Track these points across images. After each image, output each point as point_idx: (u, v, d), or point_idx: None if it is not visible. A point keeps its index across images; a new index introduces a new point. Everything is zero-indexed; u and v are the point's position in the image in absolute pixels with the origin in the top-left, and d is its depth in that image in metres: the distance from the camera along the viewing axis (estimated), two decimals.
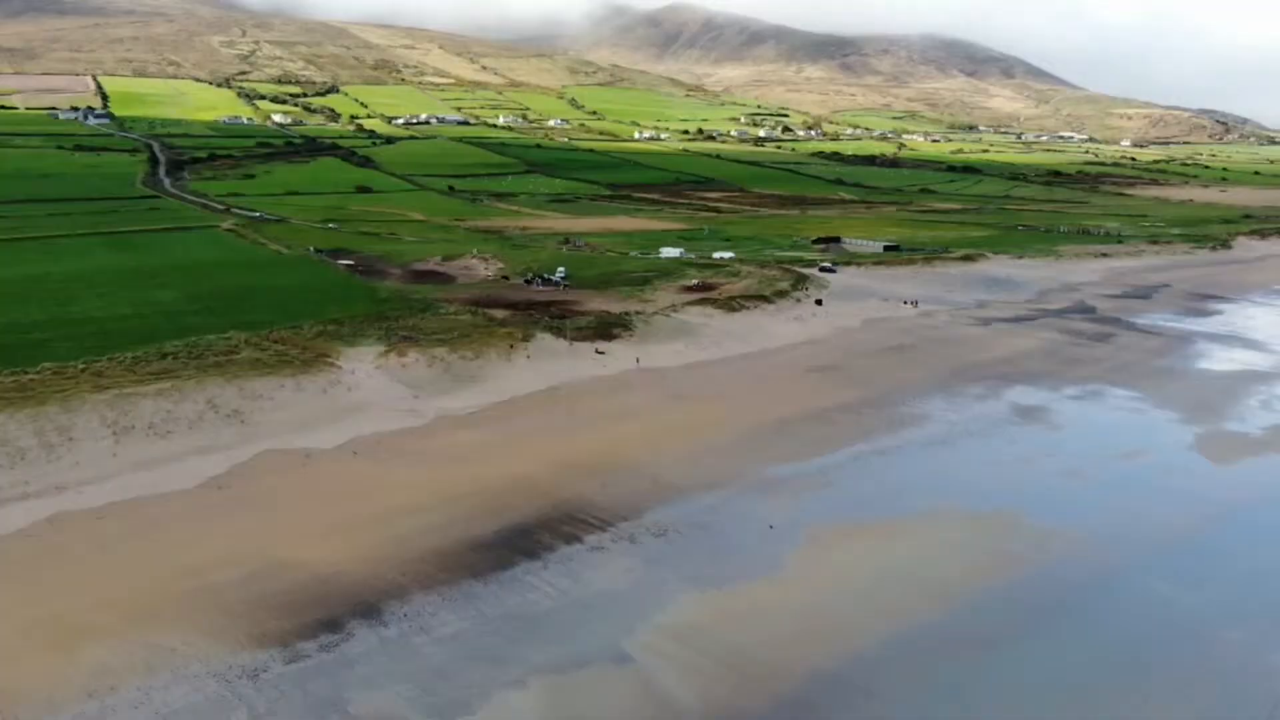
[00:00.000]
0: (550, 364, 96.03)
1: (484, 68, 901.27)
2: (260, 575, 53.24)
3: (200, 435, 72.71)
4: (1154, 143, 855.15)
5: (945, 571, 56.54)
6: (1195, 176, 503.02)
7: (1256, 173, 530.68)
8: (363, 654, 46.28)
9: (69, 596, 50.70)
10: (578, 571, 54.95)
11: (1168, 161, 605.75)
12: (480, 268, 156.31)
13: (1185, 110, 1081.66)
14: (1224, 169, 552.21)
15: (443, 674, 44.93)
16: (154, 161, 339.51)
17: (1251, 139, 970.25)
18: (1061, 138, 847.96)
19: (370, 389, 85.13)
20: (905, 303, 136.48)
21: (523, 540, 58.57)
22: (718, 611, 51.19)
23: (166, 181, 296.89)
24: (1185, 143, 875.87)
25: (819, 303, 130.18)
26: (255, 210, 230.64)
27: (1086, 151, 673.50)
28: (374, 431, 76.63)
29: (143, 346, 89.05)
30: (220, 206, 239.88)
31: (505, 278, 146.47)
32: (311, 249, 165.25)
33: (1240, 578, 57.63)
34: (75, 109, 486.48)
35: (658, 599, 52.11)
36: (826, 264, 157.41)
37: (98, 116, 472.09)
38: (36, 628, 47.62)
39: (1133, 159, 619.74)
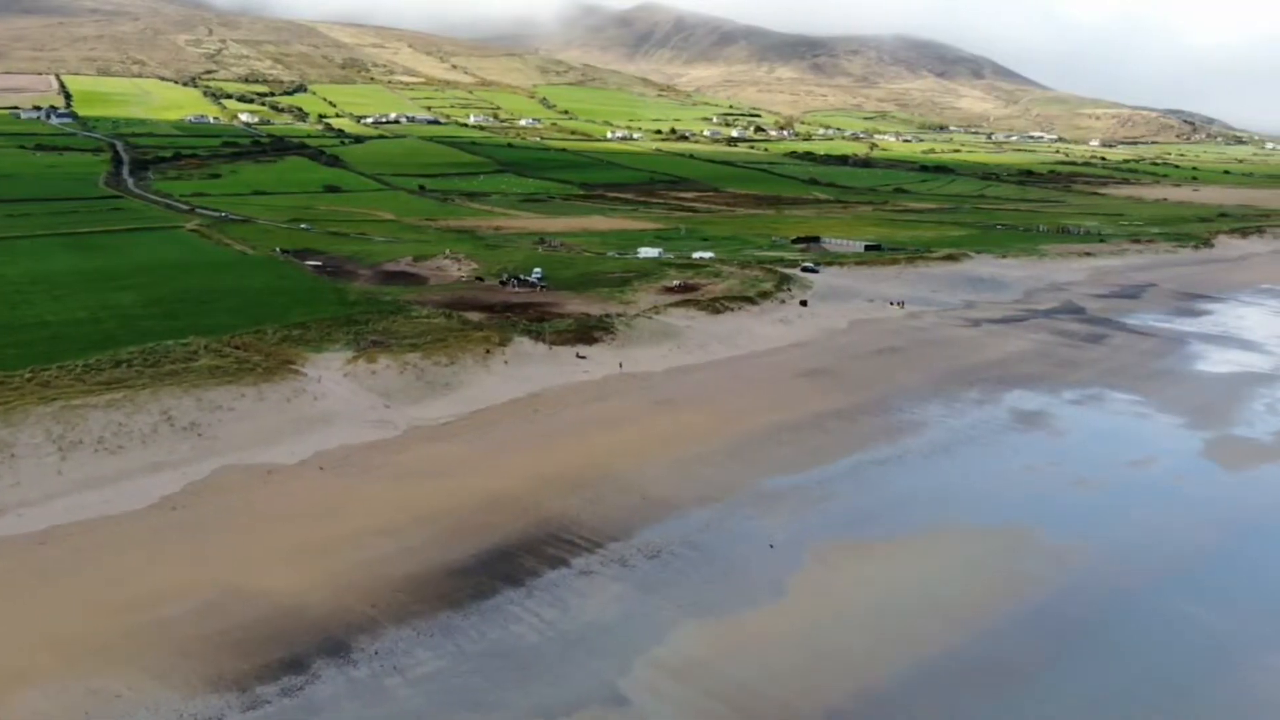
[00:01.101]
0: (529, 369, 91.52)
1: (454, 67, 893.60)
2: (216, 607, 48.53)
3: (154, 450, 67.57)
4: (1122, 142, 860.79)
5: (960, 593, 52.69)
6: (1166, 176, 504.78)
7: (1226, 172, 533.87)
8: (330, 699, 41.69)
9: (3, 632, 46.07)
10: (565, 600, 50.48)
11: (1138, 161, 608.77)
12: (453, 268, 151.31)
13: (1153, 110, 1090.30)
14: (1194, 168, 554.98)
15: None
16: (117, 161, 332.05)
17: (1219, 139, 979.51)
18: (1031, 138, 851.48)
19: (338, 398, 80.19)
20: (891, 303, 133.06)
21: (504, 564, 54.04)
22: (719, 643, 46.95)
23: (130, 181, 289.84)
24: (1153, 142, 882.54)
25: (803, 304, 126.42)
26: (220, 210, 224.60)
27: (1057, 151, 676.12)
28: (342, 444, 71.83)
29: (96, 353, 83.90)
30: (184, 207, 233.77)
31: (479, 279, 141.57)
32: (277, 250, 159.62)
33: (1271, 595, 54.15)
34: (38, 108, 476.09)
35: (654, 630, 47.75)
36: (808, 264, 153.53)
37: (60, 116, 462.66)
38: None
39: (1103, 159, 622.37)
